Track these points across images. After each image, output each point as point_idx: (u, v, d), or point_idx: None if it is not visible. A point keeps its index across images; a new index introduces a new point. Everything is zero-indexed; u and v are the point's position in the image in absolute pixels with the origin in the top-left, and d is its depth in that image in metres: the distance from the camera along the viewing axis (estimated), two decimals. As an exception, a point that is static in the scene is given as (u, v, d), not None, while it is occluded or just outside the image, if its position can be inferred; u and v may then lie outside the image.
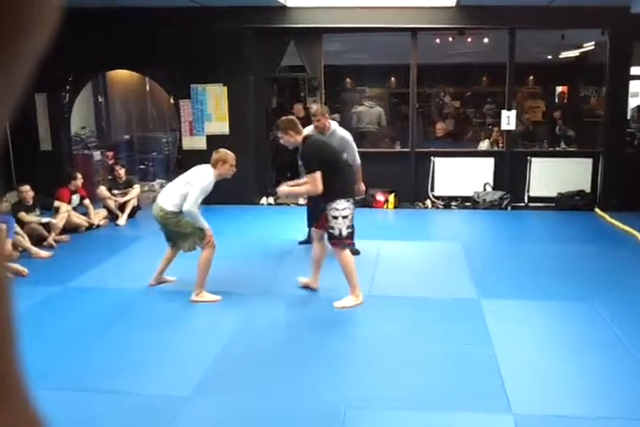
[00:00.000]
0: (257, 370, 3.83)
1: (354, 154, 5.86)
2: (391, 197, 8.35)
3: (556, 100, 10.89)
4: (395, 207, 8.36)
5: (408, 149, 8.56)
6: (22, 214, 6.59)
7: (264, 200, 8.60)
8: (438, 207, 8.41)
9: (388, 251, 6.33)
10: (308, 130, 5.54)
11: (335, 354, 4.02)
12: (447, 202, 8.43)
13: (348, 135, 5.92)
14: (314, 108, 6.04)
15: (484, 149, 8.82)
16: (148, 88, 10.31)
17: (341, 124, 6.43)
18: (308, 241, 6.34)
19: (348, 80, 10.18)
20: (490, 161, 8.36)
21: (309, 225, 6.25)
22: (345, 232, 4.81)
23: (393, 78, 10.25)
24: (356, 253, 5.73)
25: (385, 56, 9.87)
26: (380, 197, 8.33)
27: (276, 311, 4.83)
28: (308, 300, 5.02)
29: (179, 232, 5.07)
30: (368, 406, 3.37)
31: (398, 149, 8.94)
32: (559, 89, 11.04)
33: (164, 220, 5.06)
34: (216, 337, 4.34)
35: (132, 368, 3.88)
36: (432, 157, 8.44)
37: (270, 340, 4.30)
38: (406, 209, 8.34)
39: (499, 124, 8.46)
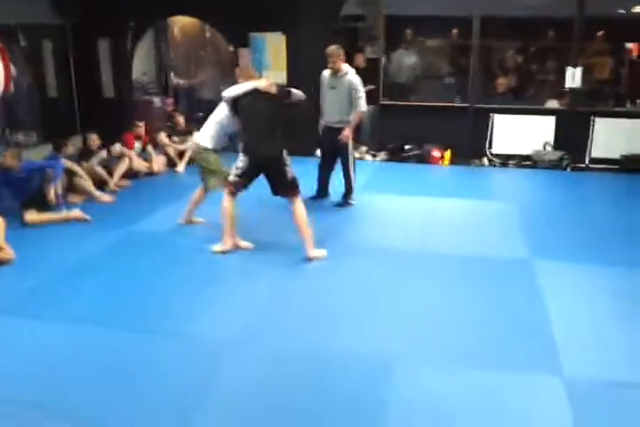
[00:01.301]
0: (308, 319, 3.97)
1: (358, 100, 6.03)
2: (447, 154, 8.26)
3: (624, 58, 10.40)
4: (450, 164, 8.28)
5: (467, 105, 8.40)
6: (90, 163, 6.81)
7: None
8: (495, 165, 8.29)
9: (441, 208, 6.34)
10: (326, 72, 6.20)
11: (385, 309, 4.12)
12: (504, 160, 8.30)
13: (356, 80, 6.07)
14: (330, 48, 6.08)
15: (551, 107, 8.55)
16: (207, 36, 10.30)
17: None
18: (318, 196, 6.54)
19: (408, 31, 9.92)
20: (551, 119, 8.14)
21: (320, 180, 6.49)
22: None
23: (455, 30, 9.95)
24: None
25: (448, 7, 9.55)
26: (435, 152, 8.25)
27: (330, 263, 4.93)
28: (357, 253, 5.10)
29: (206, 168, 5.43)
30: (415, 361, 3.47)
31: (457, 103, 8.77)
32: (629, 46, 10.52)
33: (196, 155, 5.60)
34: (270, 284, 4.51)
35: (190, 312, 4.08)
36: (491, 114, 8.27)
37: (324, 289, 4.43)
38: (462, 166, 8.25)
39: (563, 81, 8.19)
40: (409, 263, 4.90)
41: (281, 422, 2.97)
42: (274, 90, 4.99)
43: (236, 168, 4.98)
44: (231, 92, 5.03)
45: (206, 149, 5.33)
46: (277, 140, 4.95)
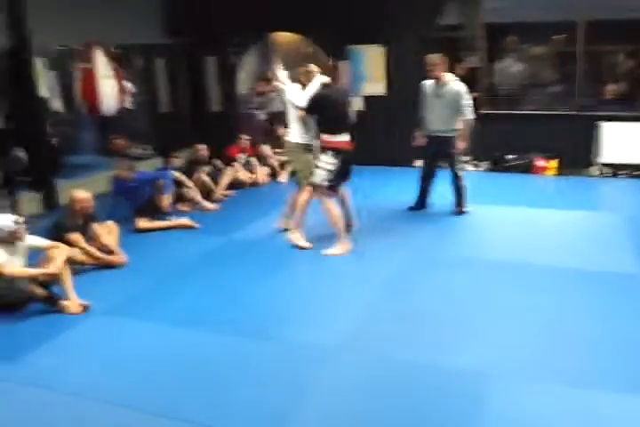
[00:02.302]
0: (405, 329, 3.97)
1: (465, 107, 6.00)
2: (553, 164, 7.99)
3: None
4: (557, 174, 8.01)
5: (574, 112, 8.11)
6: (197, 174, 7.15)
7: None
8: (605, 175, 7.93)
9: (546, 220, 6.14)
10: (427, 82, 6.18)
11: (485, 322, 4.06)
12: (615, 170, 7.92)
13: (462, 88, 6.03)
14: (429, 56, 6.14)
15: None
16: (310, 50, 10.53)
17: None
18: (418, 206, 6.51)
19: (509, 38, 9.71)
20: (666, 126, 7.71)
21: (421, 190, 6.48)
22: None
23: (559, 36, 9.63)
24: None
25: (551, 13, 9.27)
26: (540, 162, 8.01)
27: (429, 274, 4.92)
28: (458, 264, 5.05)
29: (295, 165, 5.74)
30: (512, 377, 3.38)
31: (563, 111, 8.47)
32: None
33: (288, 152, 5.79)
34: (366, 294, 4.55)
35: (288, 316, 4.20)
36: (599, 121, 7.93)
37: (423, 301, 4.42)
38: (569, 176, 7.95)
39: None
40: (511, 276, 4.80)
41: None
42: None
43: (328, 171, 5.14)
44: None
45: (297, 145, 5.53)
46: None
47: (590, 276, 4.74)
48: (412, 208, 6.52)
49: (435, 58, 6.07)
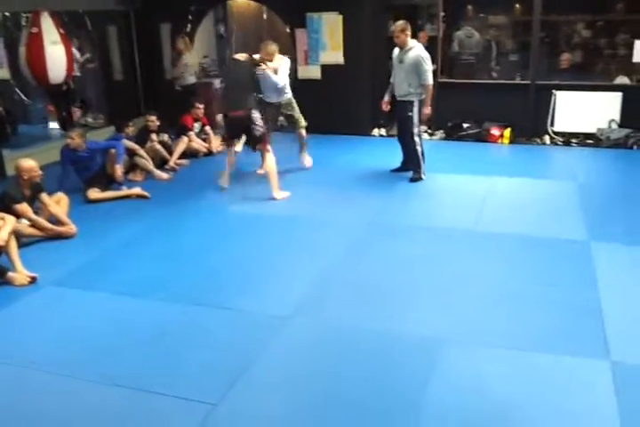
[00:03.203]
0: (358, 296, 4.01)
1: (425, 73, 6.18)
2: (507, 132, 8.08)
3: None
4: (510, 142, 8.10)
5: (528, 82, 8.17)
6: (150, 144, 7.03)
7: (376, 131, 8.59)
8: (557, 144, 8.05)
9: (499, 187, 6.23)
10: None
11: (436, 287, 4.12)
12: (567, 139, 8.04)
13: (423, 54, 6.22)
14: (395, 23, 6.39)
15: (620, 83, 8.21)
16: (265, 17, 10.36)
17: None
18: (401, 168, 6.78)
19: (468, 7, 9.69)
20: (617, 96, 7.83)
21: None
22: None
23: (517, 5, 9.65)
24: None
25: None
26: (494, 131, 8.08)
27: (381, 241, 4.96)
28: (412, 231, 5.10)
29: (294, 112, 6.82)
30: (462, 341, 3.45)
31: (518, 80, 8.53)
32: None
33: (290, 104, 6.81)
34: (322, 262, 4.56)
35: (239, 286, 4.19)
36: (554, 91, 8.01)
37: (374, 268, 4.45)
38: (522, 145, 8.05)
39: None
40: (464, 243, 4.87)
41: (319, 396, 3.02)
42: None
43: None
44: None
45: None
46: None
47: (540, 242, 4.82)
48: (393, 170, 6.82)
49: (399, 24, 6.23)
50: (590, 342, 3.41)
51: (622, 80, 8.23)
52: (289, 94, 6.80)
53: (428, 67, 6.20)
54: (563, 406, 2.90)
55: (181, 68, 8.71)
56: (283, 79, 6.53)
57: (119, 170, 6.18)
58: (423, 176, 6.48)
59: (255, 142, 6.07)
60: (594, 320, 3.63)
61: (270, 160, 6.02)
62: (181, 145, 7.34)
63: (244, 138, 7.93)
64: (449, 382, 3.08)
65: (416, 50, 6.23)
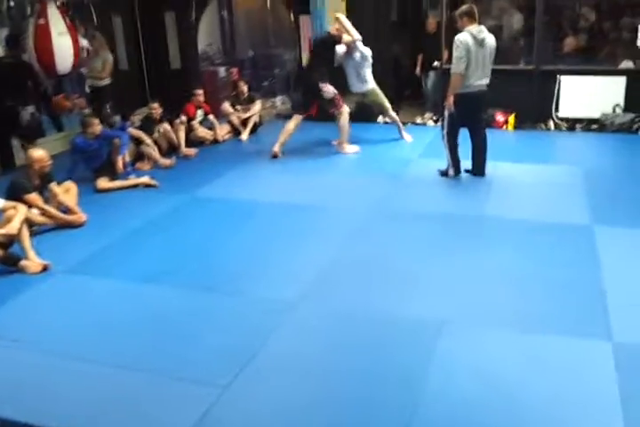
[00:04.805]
0: (363, 280, 4.09)
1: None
2: (511, 118, 8.09)
3: None
4: (515, 128, 8.11)
5: (532, 67, 8.17)
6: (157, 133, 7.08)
7: (380, 119, 8.60)
8: (562, 129, 8.05)
9: (504, 173, 6.24)
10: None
11: (442, 270, 4.19)
12: (572, 124, 8.04)
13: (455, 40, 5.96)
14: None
15: (624, 67, 8.20)
16: (269, 4, 10.36)
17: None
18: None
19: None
20: (622, 80, 7.81)
21: None
22: None
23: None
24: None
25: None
26: (499, 116, 8.09)
27: (387, 226, 5.02)
28: (418, 217, 5.16)
29: (380, 98, 7.42)
30: (465, 323, 3.53)
31: (521, 66, 8.52)
32: None
33: (375, 92, 7.38)
34: (326, 247, 4.63)
35: (247, 272, 4.28)
36: (558, 76, 8.01)
37: (380, 252, 4.51)
38: (527, 131, 8.06)
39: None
40: (469, 227, 4.93)
41: (324, 379, 3.10)
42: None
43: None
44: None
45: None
46: None
47: (545, 227, 4.87)
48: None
49: (457, 12, 5.81)
50: (593, 324, 3.48)
51: (627, 64, 8.22)
52: (371, 84, 7.27)
53: (456, 53, 5.68)
54: (564, 387, 2.97)
55: (96, 67, 8.14)
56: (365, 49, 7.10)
57: (120, 161, 6.21)
58: (451, 171, 6.09)
59: (328, 106, 6.88)
60: (597, 302, 3.70)
61: (344, 119, 6.89)
62: (180, 133, 7.31)
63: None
64: (451, 363, 3.15)
65: (457, 35, 5.74)
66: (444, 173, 6.12)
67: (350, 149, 7.09)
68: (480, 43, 5.62)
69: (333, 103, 6.87)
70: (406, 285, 4.01)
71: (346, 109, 6.97)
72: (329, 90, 6.83)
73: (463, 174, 6.16)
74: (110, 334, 3.55)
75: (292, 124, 7.05)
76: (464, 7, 5.77)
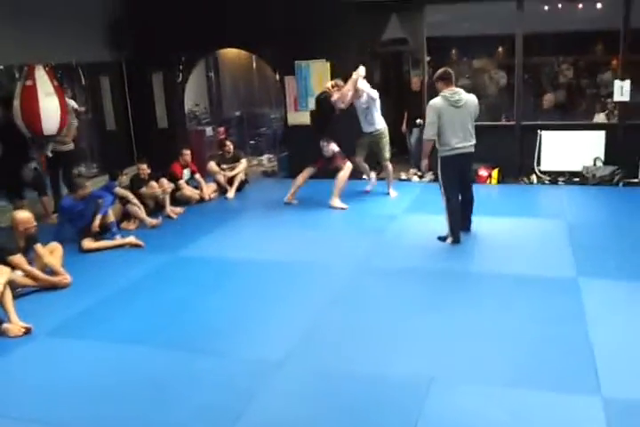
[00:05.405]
0: (348, 339, 4.03)
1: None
2: (494, 172, 8.21)
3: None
4: (498, 182, 8.22)
5: (513, 122, 8.36)
6: (143, 189, 7.14)
7: (365, 176, 8.69)
8: (544, 183, 8.18)
9: (489, 227, 6.28)
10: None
11: (428, 327, 4.16)
12: (554, 177, 8.18)
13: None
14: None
15: (599, 121, 8.43)
16: (254, 66, 10.63)
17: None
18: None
19: (452, 52, 9.98)
20: (601, 134, 8.00)
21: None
22: None
23: (500, 49, 9.94)
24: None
25: (492, 26, 9.56)
26: (482, 171, 8.22)
27: (371, 283, 5.00)
28: (403, 274, 5.15)
29: (383, 143, 7.59)
30: (453, 380, 3.48)
31: (503, 121, 8.73)
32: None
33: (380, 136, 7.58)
34: (312, 305, 4.60)
35: (232, 332, 4.21)
36: (539, 131, 8.20)
37: (364, 311, 4.48)
38: (510, 185, 8.18)
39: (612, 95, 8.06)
40: (454, 282, 4.93)
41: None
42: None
43: None
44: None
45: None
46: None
47: (531, 281, 4.88)
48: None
49: (434, 76, 5.89)
50: (581, 379, 3.44)
51: (598, 118, 8.46)
52: (379, 126, 7.48)
53: (427, 118, 5.80)
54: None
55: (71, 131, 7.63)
56: (371, 92, 7.34)
57: (97, 220, 6.17)
58: (449, 239, 5.82)
59: (329, 163, 7.20)
60: (584, 356, 3.67)
61: (345, 172, 7.19)
62: (166, 192, 7.33)
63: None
64: (439, 422, 3.09)
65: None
66: (443, 239, 5.87)
67: (338, 204, 7.21)
68: (455, 105, 5.63)
69: (334, 160, 7.18)
70: (392, 342, 3.97)
71: (349, 165, 7.25)
72: (329, 149, 7.13)
73: (441, 228, 5.94)
74: (91, 398, 3.46)
75: (300, 177, 7.42)
76: (439, 71, 5.81)
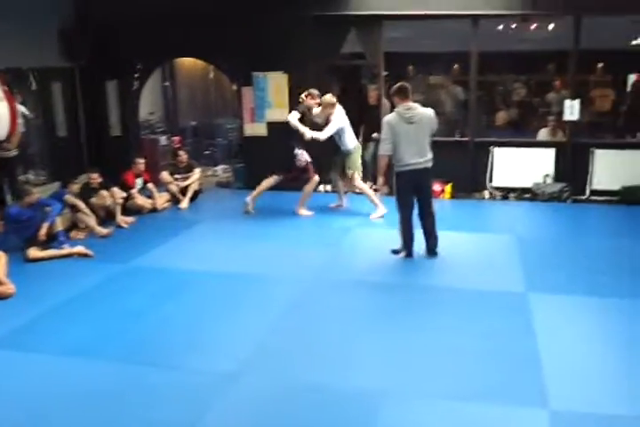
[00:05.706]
0: (302, 352, 4.01)
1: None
2: (448, 187, 8.32)
3: (628, 90, 10.50)
4: (451, 197, 8.33)
5: (467, 139, 8.50)
6: (93, 199, 6.98)
7: (322, 187, 8.71)
8: (496, 198, 8.33)
9: (442, 241, 6.29)
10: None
11: (380, 340, 4.17)
12: (505, 193, 8.34)
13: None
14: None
15: (543, 138, 8.66)
16: (212, 76, 10.57)
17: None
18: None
19: (409, 67, 10.13)
20: (551, 152, 8.20)
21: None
22: None
23: (456, 66, 10.14)
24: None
25: (449, 43, 9.76)
26: (436, 186, 8.30)
27: (325, 295, 4.99)
28: (357, 286, 5.15)
29: (352, 162, 7.51)
30: (404, 394, 3.48)
31: (457, 138, 8.87)
32: (632, 77, 10.61)
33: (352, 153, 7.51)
34: (266, 317, 4.56)
35: (184, 344, 4.14)
36: (491, 147, 8.35)
37: (321, 322, 4.48)
38: (463, 200, 8.30)
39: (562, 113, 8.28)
40: (402, 296, 4.94)
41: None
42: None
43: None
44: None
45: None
46: None
47: (480, 295, 4.93)
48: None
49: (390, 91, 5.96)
50: (529, 392, 3.48)
51: (543, 133, 8.69)
52: (350, 146, 7.41)
53: (382, 135, 5.81)
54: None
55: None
56: (331, 127, 7.22)
57: (44, 228, 6.01)
58: (402, 253, 5.85)
59: (300, 172, 7.32)
60: (532, 370, 3.72)
61: (310, 186, 7.39)
62: (117, 201, 7.20)
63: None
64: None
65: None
66: (397, 253, 5.89)
67: (305, 212, 7.46)
68: (408, 120, 5.63)
69: (305, 170, 7.34)
70: (346, 355, 3.96)
71: (316, 179, 7.44)
72: (303, 158, 7.28)
73: (395, 242, 5.92)
74: (35, 415, 3.33)
75: (265, 182, 7.48)
76: (396, 86, 5.82)
